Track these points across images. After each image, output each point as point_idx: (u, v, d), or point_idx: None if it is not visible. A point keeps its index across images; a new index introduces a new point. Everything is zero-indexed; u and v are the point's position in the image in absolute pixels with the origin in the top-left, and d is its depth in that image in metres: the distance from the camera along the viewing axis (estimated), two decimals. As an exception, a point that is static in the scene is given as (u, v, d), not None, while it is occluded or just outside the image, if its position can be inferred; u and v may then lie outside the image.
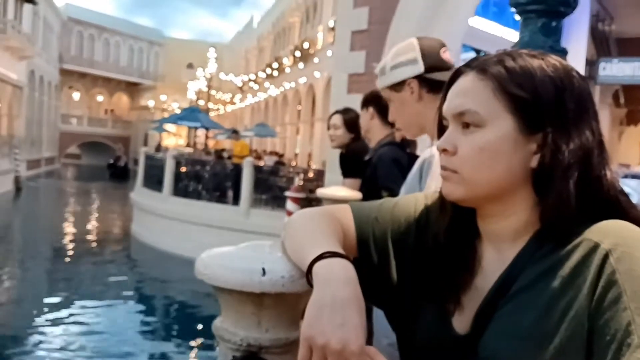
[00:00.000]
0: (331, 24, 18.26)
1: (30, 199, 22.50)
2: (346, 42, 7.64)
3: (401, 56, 1.46)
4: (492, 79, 0.71)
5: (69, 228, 16.62)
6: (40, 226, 16.59)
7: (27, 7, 27.94)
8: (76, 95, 43.54)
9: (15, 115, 28.53)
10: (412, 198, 0.89)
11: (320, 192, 3.15)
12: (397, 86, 1.47)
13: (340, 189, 2.95)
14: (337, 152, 3.31)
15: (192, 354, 7.21)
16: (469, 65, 0.75)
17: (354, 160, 2.92)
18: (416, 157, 1.94)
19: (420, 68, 1.43)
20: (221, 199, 11.92)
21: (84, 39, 42.98)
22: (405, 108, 1.49)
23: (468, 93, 0.73)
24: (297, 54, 22.45)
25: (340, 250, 0.73)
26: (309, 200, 10.14)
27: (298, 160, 21.93)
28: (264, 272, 0.80)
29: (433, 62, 1.42)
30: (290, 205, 9.44)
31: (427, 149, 1.54)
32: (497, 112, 0.70)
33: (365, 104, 2.49)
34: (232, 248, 0.88)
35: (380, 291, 0.82)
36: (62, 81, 40.86)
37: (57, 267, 11.42)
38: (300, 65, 22.16)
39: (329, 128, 3.21)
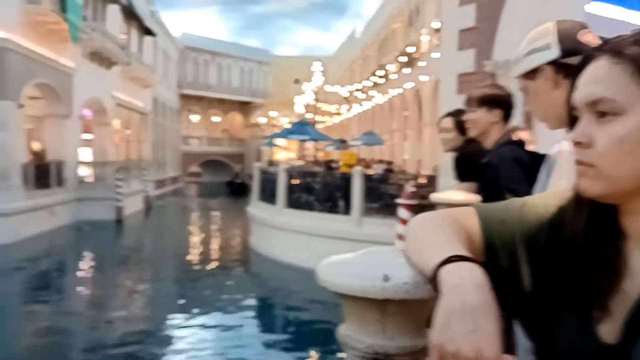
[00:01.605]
0: (435, 25, 17.87)
1: (159, 216, 24.40)
2: (453, 41, 7.42)
3: (535, 42, 1.37)
4: (630, 61, 0.65)
5: (194, 242, 17.76)
6: (168, 241, 17.93)
7: (148, 39, 30.56)
8: (194, 118, 46.71)
9: (143, 140, 31.23)
10: (541, 197, 0.83)
11: (435, 197, 3.02)
12: (532, 74, 1.39)
13: (456, 192, 2.83)
14: (450, 155, 3.22)
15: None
16: (600, 49, 0.69)
17: (470, 163, 2.79)
18: (539, 155, 1.81)
19: (554, 53, 1.33)
20: (333, 209, 12.04)
21: (199, 65, 46.09)
22: (540, 98, 1.40)
23: (602, 79, 0.66)
24: (402, 59, 22.23)
25: (468, 254, 0.70)
26: (422, 207, 9.92)
27: (407, 166, 21.64)
28: (386, 278, 0.79)
29: (570, 45, 1.31)
30: (402, 212, 9.30)
31: (556, 145, 1.44)
32: (638, 98, 0.64)
33: (489, 104, 2.34)
34: (352, 255, 0.88)
35: (512, 298, 0.77)
36: (181, 105, 44.07)
37: (184, 278, 12.16)
38: (406, 70, 21.92)
39: (440, 131, 3.13)
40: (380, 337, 0.83)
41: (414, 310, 0.83)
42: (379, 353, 0.82)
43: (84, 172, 20.13)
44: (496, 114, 2.32)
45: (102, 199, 19.13)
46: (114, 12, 23.46)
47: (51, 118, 18.58)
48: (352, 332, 0.86)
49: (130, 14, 25.99)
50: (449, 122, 3.05)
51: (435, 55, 17.60)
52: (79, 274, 13.30)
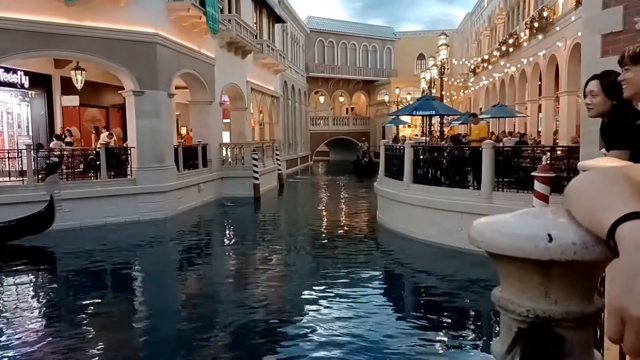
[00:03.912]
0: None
1: (291, 192, 25.73)
2: (597, -1, 6.91)
3: None
4: None
5: (324, 216, 18.54)
6: (300, 215, 18.90)
7: (277, 26, 31.87)
8: (321, 99, 47.97)
9: (275, 122, 32.89)
10: None
11: (583, 165, 2.81)
12: None
13: (607, 159, 2.60)
14: (594, 123, 3.05)
15: (440, 339, 7.15)
16: None
17: (620, 128, 2.63)
18: None
19: None
20: (461, 183, 11.91)
21: (325, 47, 47.12)
22: None
23: None
24: (535, 25, 20.92)
25: None
26: (559, 180, 9.49)
27: (542, 138, 20.47)
28: (550, 238, 0.73)
29: None
30: (538, 185, 8.98)
31: None
32: None
33: None
34: (507, 215, 0.83)
35: None
36: (309, 88, 45.48)
37: (316, 251, 12.71)
38: (539, 37, 20.63)
39: (585, 96, 2.95)
40: (542, 301, 0.78)
41: (582, 273, 0.77)
42: (541, 318, 0.77)
43: (225, 153, 21.85)
44: None
45: (241, 177, 20.71)
46: (245, 2, 24.86)
47: (196, 105, 20.38)
48: (509, 296, 0.81)
49: (261, 3, 27.32)
50: (595, 85, 2.84)
51: (572, 18, 16.40)
52: (225, 244, 14.66)
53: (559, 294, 0.77)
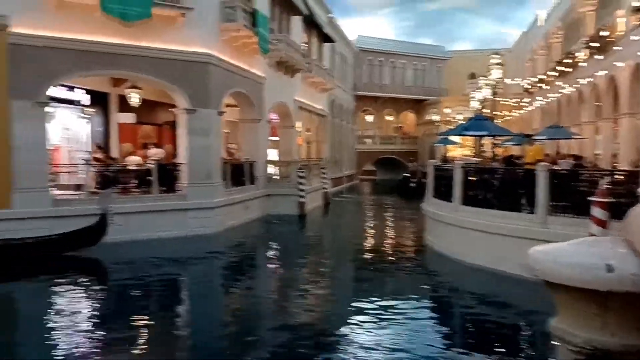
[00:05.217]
0: (636, 3, 15.95)
1: (337, 211, 25.58)
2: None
3: None
4: None
5: (370, 236, 18.30)
6: (346, 235, 18.74)
7: (326, 45, 32.17)
8: (369, 118, 47.94)
9: (322, 140, 33.01)
10: None
11: None
12: None
13: None
14: None
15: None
16: None
17: None
18: None
19: None
20: (514, 207, 11.49)
21: (373, 66, 47.22)
22: None
23: None
24: (594, 44, 20.23)
25: None
26: (619, 206, 8.99)
27: (600, 162, 19.62)
28: (609, 268, 0.74)
29: None
30: (596, 211, 8.55)
31: None
32: None
33: None
34: (565, 244, 0.82)
35: None
36: (356, 106, 45.55)
37: (361, 273, 12.48)
38: (597, 56, 19.91)
39: None
40: (598, 332, 0.76)
41: (641, 305, 0.76)
42: (599, 350, 0.77)
43: (272, 170, 22.01)
44: None
45: (287, 195, 20.79)
46: (295, 22, 25.23)
47: (244, 123, 20.69)
48: (566, 326, 0.80)
49: (310, 23, 27.67)
50: None
51: (634, 37, 15.76)
52: (270, 262, 14.66)
53: (616, 326, 0.71)
